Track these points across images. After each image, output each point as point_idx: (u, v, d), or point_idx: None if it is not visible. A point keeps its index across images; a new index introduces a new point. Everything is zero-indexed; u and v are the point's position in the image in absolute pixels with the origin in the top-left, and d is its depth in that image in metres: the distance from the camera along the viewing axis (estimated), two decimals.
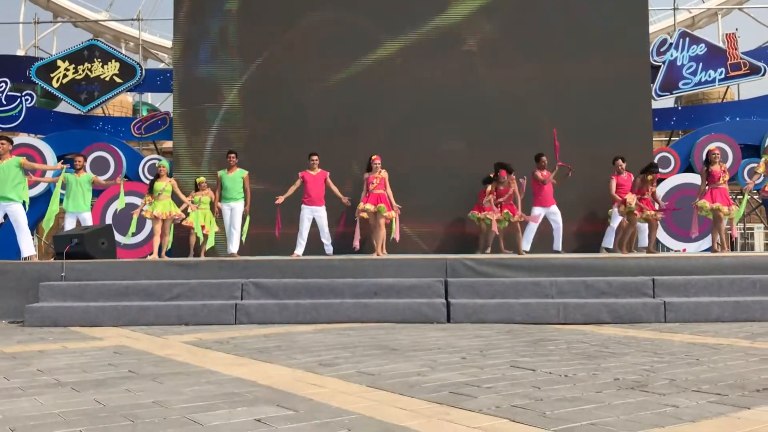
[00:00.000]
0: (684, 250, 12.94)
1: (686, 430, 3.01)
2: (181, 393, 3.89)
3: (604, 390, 3.90)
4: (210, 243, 11.52)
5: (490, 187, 11.10)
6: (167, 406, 3.55)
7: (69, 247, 8.88)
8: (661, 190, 13.00)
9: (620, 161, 11.45)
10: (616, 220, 11.56)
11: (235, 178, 10.91)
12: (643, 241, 11.64)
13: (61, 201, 11.16)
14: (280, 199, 10.80)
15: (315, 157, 11.04)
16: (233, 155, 10.99)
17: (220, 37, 13.19)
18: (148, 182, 11.73)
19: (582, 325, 7.52)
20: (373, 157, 10.82)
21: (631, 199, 10.45)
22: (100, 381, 4.30)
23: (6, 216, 9.64)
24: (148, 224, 11.84)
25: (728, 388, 3.94)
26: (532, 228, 11.51)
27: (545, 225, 11.77)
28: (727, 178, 10.67)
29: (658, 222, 11.03)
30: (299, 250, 10.85)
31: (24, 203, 9.82)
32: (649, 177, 10.58)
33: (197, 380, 4.30)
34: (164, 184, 10.69)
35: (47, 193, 12.58)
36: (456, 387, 4.01)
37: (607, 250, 11.74)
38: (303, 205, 10.93)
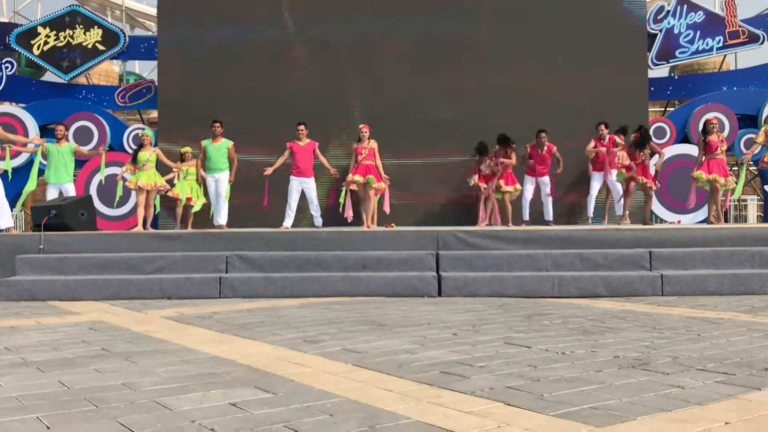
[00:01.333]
0: (678, 222, 12.75)
1: (695, 414, 2.79)
2: (153, 373, 3.65)
3: (604, 369, 3.68)
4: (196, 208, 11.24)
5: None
6: (136, 388, 3.30)
7: (47, 219, 8.57)
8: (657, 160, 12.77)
9: (602, 126, 11.10)
10: (595, 188, 11.32)
11: (220, 148, 10.54)
12: (618, 209, 11.32)
13: (42, 172, 10.84)
14: (269, 171, 10.50)
15: (302, 127, 10.69)
16: (218, 124, 10.59)
17: (205, 4, 12.74)
18: (131, 152, 11.37)
19: (577, 298, 7.31)
20: (361, 127, 10.53)
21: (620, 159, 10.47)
22: (68, 360, 4.05)
23: None
24: (133, 196, 11.51)
25: (734, 366, 3.73)
26: (527, 198, 11.28)
27: (536, 195, 11.51)
28: (724, 147, 10.41)
29: (653, 193, 10.82)
30: (288, 222, 10.57)
31: (7, 173, 9.51)
32: (644, 150, 10.41)
33: (173, 359, 4.05)
34: (148, 154, 10.33)
35: (30, 164, 12.22)
36: (447, 366, 3.78)
37: (591, 219, 11.53)
38: (291, 177, 10.63)
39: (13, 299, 7.49)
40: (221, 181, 10.52)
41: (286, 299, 7.37)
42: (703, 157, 10.27)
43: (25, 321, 5.91)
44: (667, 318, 5.74)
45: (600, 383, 3.34)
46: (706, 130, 10.29)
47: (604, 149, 10.98)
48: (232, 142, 10.61)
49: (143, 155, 10.31)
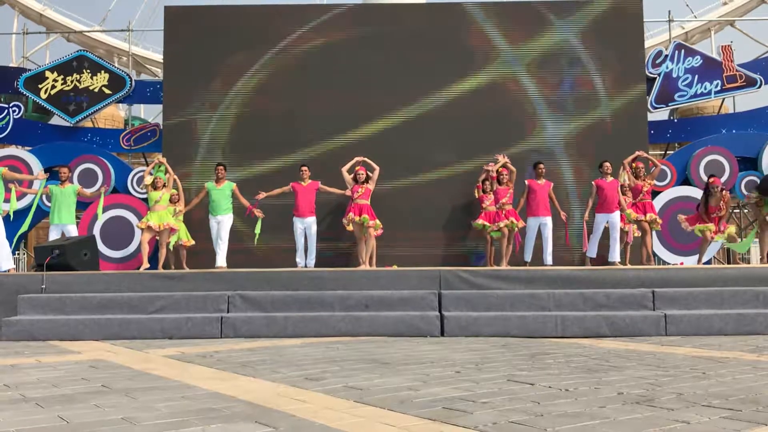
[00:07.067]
0: (681, 263, 12.71)
1: None
2: (153, 409, 3.61)
3: (608, 405, 3.64)
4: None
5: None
6: (136, 422, 3.27)
7: (50, 258, 8.58)
8: (658, 203, 12.78)
9: (607, 165, 11.07)
10: (599, 229, 11.13)
11: (224, 190, 10.67)
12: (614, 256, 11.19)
13: (46, 214, 10.91)
14: (261, 195, 10.57)
15: (304, 168, 10.81)
16: (221, 167, 10.77)
17: (210, 50, 12.92)
18: (140, 194, 11.40)
19: (581, 338, 7.26)
20: (357, 168, 10.61)
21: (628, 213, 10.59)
22: (68, 396, 4.02)
23: None
24: (137, 237, 11.61)
25: (740, 402, 3.69)
26: (531, 237, 11.12)
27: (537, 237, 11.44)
28: (722, 214, 10.28)
29: (652, 232, 10.92)
30: (300, 259, 10.62)
31: (9, 215, 9.56)
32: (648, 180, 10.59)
33: (173, 395, 4.02)
34: (160, 194, 10.45)
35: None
36: (450, 402, 3.75)
37: (591, 260, 11.31)
38: (294, 218, 10.67)
39: (14, 339, 7.44)
40: (223, 223, 10.59)
41: (288, 339, 7.33)
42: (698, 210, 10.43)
43: (26, 359, 5.88)
44: (671, 357, 5.69)
45: (604, 418, 3.30)
46: (709, 193, 10.24)
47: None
48: (235, 184, 10.73)
49: (154, 195, 10.41)
